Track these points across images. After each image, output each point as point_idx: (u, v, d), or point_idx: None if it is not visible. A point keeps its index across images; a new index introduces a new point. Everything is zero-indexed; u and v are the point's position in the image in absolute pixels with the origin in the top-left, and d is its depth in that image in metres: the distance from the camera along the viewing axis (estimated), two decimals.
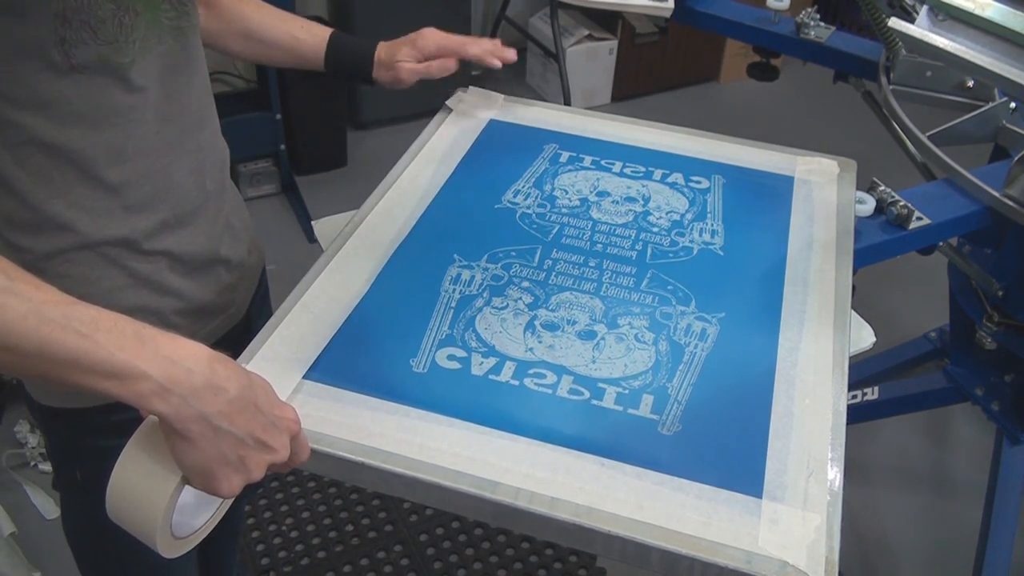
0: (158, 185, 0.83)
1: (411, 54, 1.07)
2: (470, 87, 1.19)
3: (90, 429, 0.89)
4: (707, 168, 1.06)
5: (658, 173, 1.05)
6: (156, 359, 0.58)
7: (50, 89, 0.73)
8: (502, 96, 1.18)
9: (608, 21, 3.22)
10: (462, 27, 2.99)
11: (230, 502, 0.67)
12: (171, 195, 0.85)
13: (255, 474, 0.62)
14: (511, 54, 1.11)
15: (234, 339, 0.96)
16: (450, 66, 1.08)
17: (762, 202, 1.01)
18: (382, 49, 1.08)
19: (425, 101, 2.39)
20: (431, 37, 1.09)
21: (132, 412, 0.67)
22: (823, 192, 1.03)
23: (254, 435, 0.61)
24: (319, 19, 2.77)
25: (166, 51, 0.81)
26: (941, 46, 1.03)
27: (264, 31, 1.06)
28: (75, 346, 0.57)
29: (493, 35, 3.35)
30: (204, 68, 0.90)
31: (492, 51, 1.10)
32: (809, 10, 1.57)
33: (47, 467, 1.89)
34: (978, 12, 0.99)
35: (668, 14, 1.55)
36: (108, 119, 0.77)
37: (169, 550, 0.65)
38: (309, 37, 1.07)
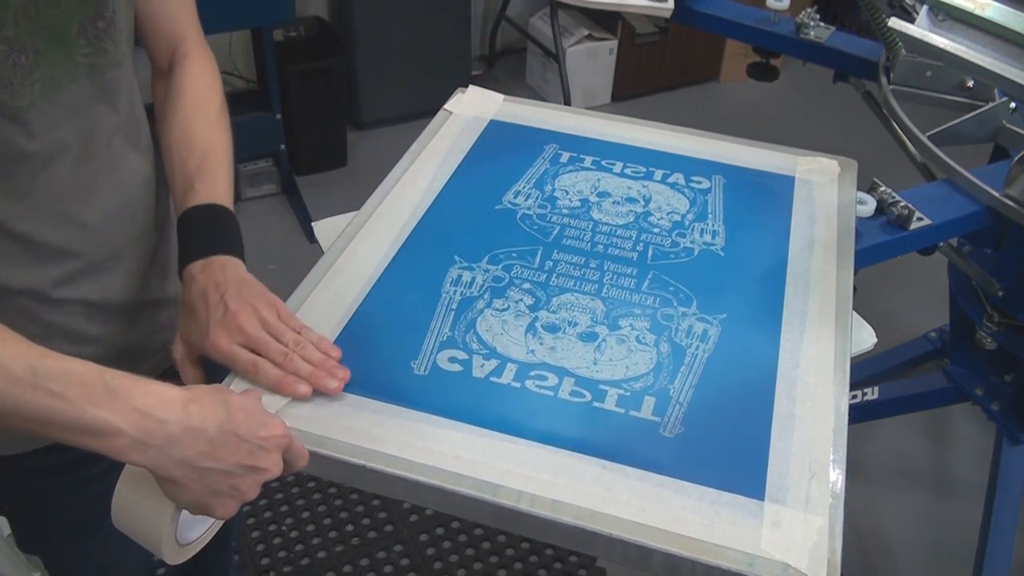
0: (70, 232, 0.78)
1: (192, 338, 0.76)
2: (470, 87, 1.19)
3: (24, 472, 0.86)
4: (708, 168, 1.06)
5: (659, 173, 1.05)
6: (128, 412, 0.58)
7: None
8: (502, 96, 1.18)
9: (608, 21, 3.22)
10: (462, 27, 2.99)
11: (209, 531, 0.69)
12: (86, 241, 0.79)
13: (249, 495, 0.63)
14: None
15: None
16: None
17: (763, 202, 1.01)
18: (196, 270, 0.78)
19: (425, 101, 2.39)
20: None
21: (66, 455, 0.70)
22: (824, 192, 1.03)
23: (240, 463, 0.61)
24: (319, 19, 2.78)
25: (79, 90, 0.75)
26: (941, 46, 1.03)
27: (173, 141, 0.86)
28: (46, 406, 0.56)
29: (493, 35, 3.35)
30: (133, 100, 0.83)
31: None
32: (809, 10, 1.57)
33: None
34: (978, 12, 0.99)
35: (668, 14, 1.55)
36: (10, 165, 0.71)
37: (175, 558, 0.66)
38: (188, 189, 0.83)
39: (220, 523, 0.70)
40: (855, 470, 2.00)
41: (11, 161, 0.71)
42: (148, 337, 0.91)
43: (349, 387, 0.75)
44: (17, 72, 0.68)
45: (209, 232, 0.79)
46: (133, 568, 1.05)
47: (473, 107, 1.15)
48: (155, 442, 0.58)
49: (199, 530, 0.70)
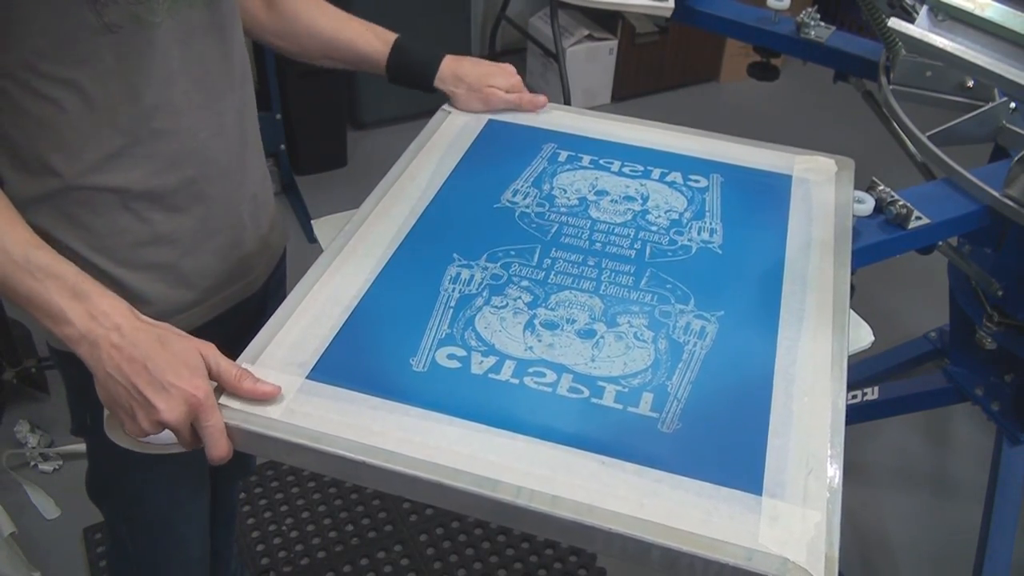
0: (185, 144, 0.86)
1: (504, 84, 1.12)
2: None
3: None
4: (705, 167, 1.07)
5: (656, 172, 1.05)
6: (82, 311, 0.71)
7: (86, 48, 0.76)
8: None
9: (608, 21, 3.22)
10: (462, 27, 3.00)
11: (173, 444, 0.75)
12: (196, 156, 0.87)
13: (144, 425, 0.70)
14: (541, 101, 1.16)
15: (249, 310, 1.03)
16: (539, 102, 1.14)
17: (760, 200, 1.01)
18: (459, 64, 1.12)
19: (425, 101, 2.39)
20: (512, 76, 1.14)
21: None
22: (821, 190, 1.03)
23: (139, 390, 0.70)
24: None
25: (196, 16, 0.83)
26: (941, 46, 1.03)
27: (328, 31, 1.08)
28: (29, 287, 0.70)
29: (493, 35, 3.35)
30: (237, 38, 0.91)
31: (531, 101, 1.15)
32: (809, 10, 1.57)
33: (47, 467, 1.89)
34: (978, 12, 0.99)
35: (668, 14, 1.55)
36: (141, 75, 0.80)
37: (118, 438, 0.77)
38: (374, 38, 1.11)
39: (172, 449, 0.75)
40: (855, 470, 2.00)
41: (143, 72, 0.80)
42: (240, 262, 0.98)
43: (348, 383, 0.75)
44: None
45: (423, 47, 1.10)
46: (197, 505, 1.12)
47: None
48: (90, 338, 0.70)
49: (159, 439, 0.76)
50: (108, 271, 0.88)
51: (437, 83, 1.12)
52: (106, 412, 0.75)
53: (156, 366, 0.70)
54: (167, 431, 0.72)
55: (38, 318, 0.72)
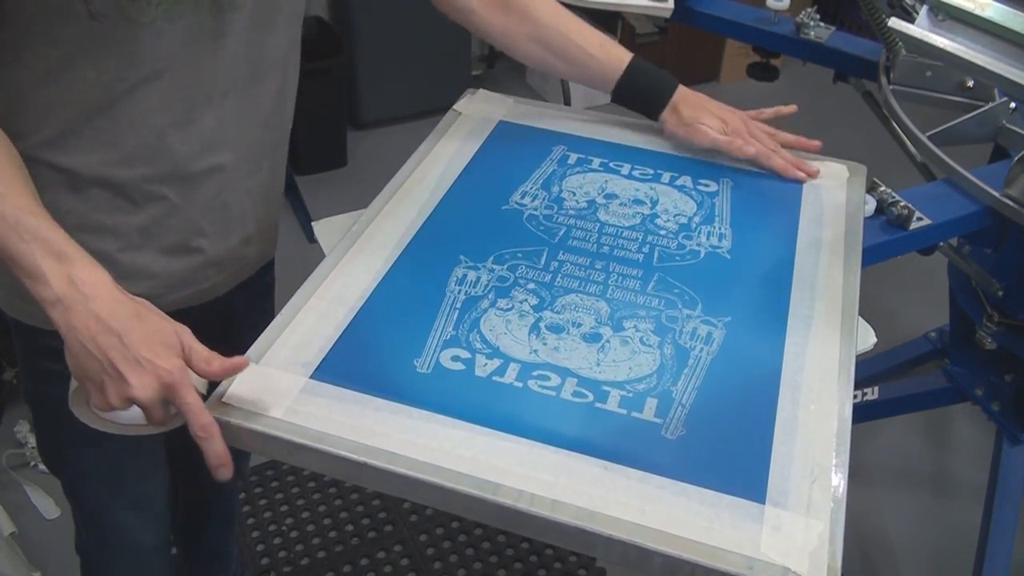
0: (148, 143, 0.85)
1: (718, 126, 1.05)
2: (480, 90, 1.19)
3: (38, 348, 0.94)
4: (716, 171, 1.06)
5: (667, 176, 1.05)
6: (62, 275, 0.69)
7: (68, 30, 0.76)
8: (512, 98, 1.18)
9: (608, 21, 3.20)
10: (462, 28, 2.99)
11: (139, 423, 0.74)
12: (159, 156, 0.86)
13: (113, 400, 0.68)
14: (812, 170, 1.06)
15: (204, 319, 0.91)
16: (748, 151, 1.04)
17: (770, 206, 1.01)
18: (683, 96, 1.06)
19: (425, 101, 2.40)
20: (740, 124, 1.06)
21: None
22: (832, 196, 1.02)
23: (112, 363, 0.68)
24: (319, 19, 2.78)
25: (199, 24, 0.81)
26: (941, 46, 1.03)
27: (557, 41, 1.05)
28: (15, 248, 0.70)
29: None
30: (269, 55, 0.89)
31: (793, 166, 1.06)
32: (809, 10, 1.57)
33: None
34: (978, 12, 0.99)
35: (668, 14, 1.55)
36: (118, 67, 0.79)
37: (81, 414, 0.76)
38: (605, 57, 1.06)
39: (140, 427, 0.74)
40: (855, 470, 1.99)
41: (125, 65, 0.79)
42: (195, 271, 0.97)
43: (352, 384, 0.75)
44: None
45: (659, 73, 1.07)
46: (144, 490, 1.11)
47: (482, 108, 1.15)
48: (65, 303, 0.69)
49: (124, 417, 0.76)
50: None
51: (664, 116, 1.07)
52: (72, 384, 0.73)
53: (131, 341, 0.68)
54: (134, 409, 0.70)
55: (20, 278, 0.71)
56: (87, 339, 0.68)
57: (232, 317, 1.05)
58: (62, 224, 0.82)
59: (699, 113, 1.05)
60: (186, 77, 0.83)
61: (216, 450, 0.70)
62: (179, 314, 0.81)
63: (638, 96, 1.07)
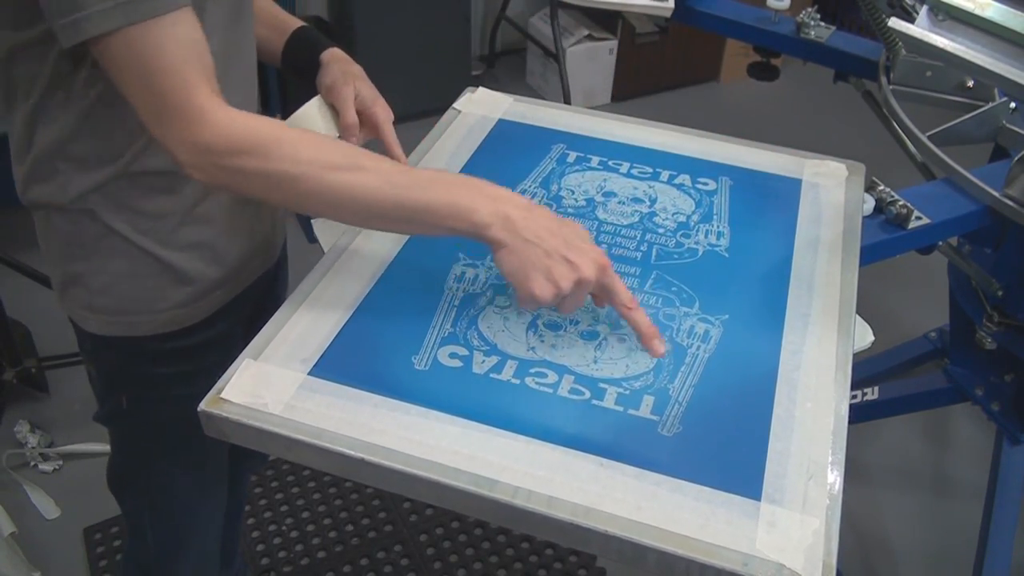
0: None
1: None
2: (480, 88, 1.19)
3: (143, 357, 0.97)
4: (714, 170, 1.06)
5: (665, 174, 1.05)
6: (483, 198, 0.76)
7: None
8: (511, 97, 1.18)
9: (608, 21, 3.22)
10: (462, 27, 3.00)
11: None
12: None
13: (562, 283, 0.74)
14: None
15: (266, 283, 1.07)
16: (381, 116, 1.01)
17: (769, 204, 1.01)
18: (337, 61, 1.04)
19: (425, 101, 2.40)
20: (379, 114, 1.01)
21: (185, 341, 0.95)
22: (831, 195, 1.02)
23: (559, 251, 0.75)
24: (319, 19, 2.78)
25: (229, 4, 0.86)
26: (941, 46, 1.03)
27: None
28: (420, 198, 0.76)
29: (493, 35, 3.35)
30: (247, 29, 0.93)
31: None
32: (809, 10, 1.57)
33: (47, 467, 1.89)
34: (978, 12, 0.99)
35: (668, 14, 1.55)
36: None
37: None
38: (273, 32, 1.08)
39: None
40: (855, 470, 2.00)
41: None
42: (259, 237, 1.02)
43: (350, 381, 0.76)
44: None
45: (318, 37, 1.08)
46: (221, 491, 1.15)
47: (482, 106, 1.15)
48: (503, 215, 0.75)
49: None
50: (153, 252, 0.90)
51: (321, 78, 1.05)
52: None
53: (567, 234, 0.76)
54: None
55: (439, 223, 0.76)
56: (532, 236, 0.75)
57: (278, 279, 1.14)
58: (167, 227, 0.90)
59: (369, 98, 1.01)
60: (232, 56, 0.89)
61: (645, 320, 0.78)
62: (254, 284, 0.98)
63: (299, 55, 1.09)
